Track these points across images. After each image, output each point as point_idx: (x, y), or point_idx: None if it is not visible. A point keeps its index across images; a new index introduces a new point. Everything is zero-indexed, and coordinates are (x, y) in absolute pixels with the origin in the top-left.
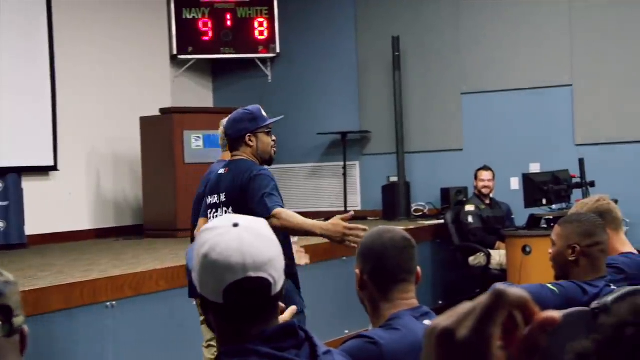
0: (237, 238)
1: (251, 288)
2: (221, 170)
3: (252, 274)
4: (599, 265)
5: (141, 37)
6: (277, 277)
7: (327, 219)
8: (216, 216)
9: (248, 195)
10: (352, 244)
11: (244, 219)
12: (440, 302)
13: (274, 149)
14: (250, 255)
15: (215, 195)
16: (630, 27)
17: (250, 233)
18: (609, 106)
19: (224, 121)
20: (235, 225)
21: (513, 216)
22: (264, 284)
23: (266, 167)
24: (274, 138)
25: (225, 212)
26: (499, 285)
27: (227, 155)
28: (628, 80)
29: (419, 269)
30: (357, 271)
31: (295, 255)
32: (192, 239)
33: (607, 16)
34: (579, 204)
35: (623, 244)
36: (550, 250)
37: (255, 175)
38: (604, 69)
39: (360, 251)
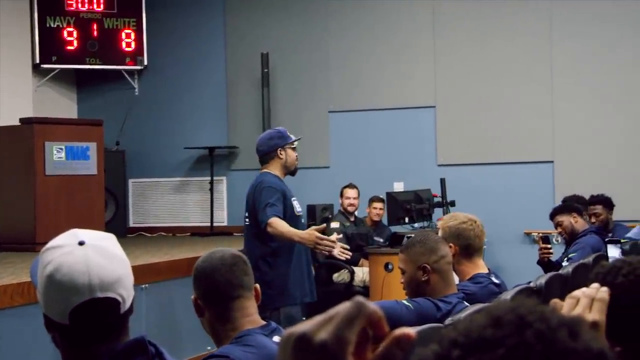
0: (83, 257)
1: (99, 309)
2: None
3: (100, 295)
4: (449, 278)
5: (2, 45)
6: (126, 295)
7: (193, 234)
8: (247, 222)
9: (256, 204)
10: (323, 251)
11: (91, 236)
12: (304, 318)
13: (297, 162)
14: (97, 276)
15: (245, 204)
16: (491, 53)
17: (96, 251)
18: (470, 128)
19: None
20: (81, 243)
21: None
22: (112, 304)
23: (274, 181)
24: (296, 154)
25: (246, 219)
26: (360, 297)
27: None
28: (488, 103)
29: (257, 286)
30: (193, 297)
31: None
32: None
33: (470, 40)
34: (448, 216)
35: (474, 267)
36: (402, 280)
37: (264, 187)
38: (466, 92)
39: (193, 276)
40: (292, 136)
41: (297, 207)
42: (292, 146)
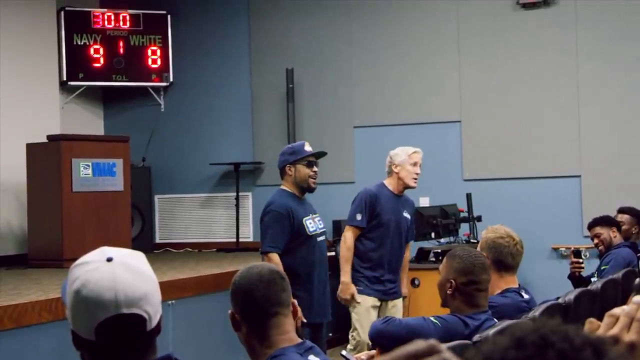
0: (110, 273)
1: (124, 325)
2: None
3: (125, 311)
4: (476, 302)
5: (29, 62)
6: (153, 312)
7: (219, 250)
8: None
9: (261, 226)
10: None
11: (119, 253)
12: (330, 335)
13: (312, 179)
14: (124, 292)
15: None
16: (517, 66)
17: (124, 268)
18: (496, 143)
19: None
20: (109, 260)
21: None
22: (138, 321)
23: (282, 202)
24: (315, 169)
25: None
26: (434, 341)
27: (389, 181)
28: (514, 117)
29: (295, 302)
30: (230, 312)
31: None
32: None
33: (495, 54)
34: (492, 227)
35: (504, 283)
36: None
37: (268, 211)
38: (492, 106)
39: (230, 291)
40: (307, 150)
41: (311, 226)
42: (304, 162)
